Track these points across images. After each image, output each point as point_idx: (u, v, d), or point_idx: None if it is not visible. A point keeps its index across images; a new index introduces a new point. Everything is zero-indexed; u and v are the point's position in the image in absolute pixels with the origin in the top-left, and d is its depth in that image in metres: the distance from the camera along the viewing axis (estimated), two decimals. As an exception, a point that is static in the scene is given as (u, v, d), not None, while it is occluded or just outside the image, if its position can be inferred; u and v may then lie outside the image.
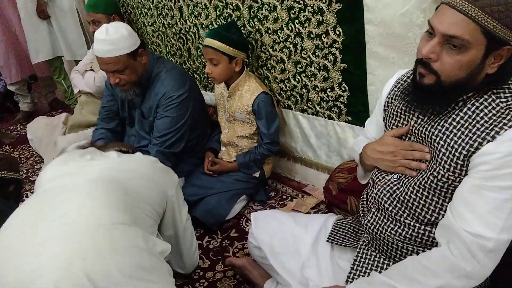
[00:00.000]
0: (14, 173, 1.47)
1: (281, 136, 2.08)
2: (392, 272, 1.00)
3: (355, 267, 1.15)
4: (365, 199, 1.23)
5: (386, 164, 1.10)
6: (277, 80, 1.97)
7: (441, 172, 0.96)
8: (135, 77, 1.89)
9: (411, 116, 1.06)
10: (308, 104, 1.88)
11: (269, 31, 1.86)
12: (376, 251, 1.15)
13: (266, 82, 2.03)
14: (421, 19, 1.29)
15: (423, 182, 1.00)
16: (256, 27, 1.91)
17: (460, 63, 0.88)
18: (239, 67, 1.88)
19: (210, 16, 2.15)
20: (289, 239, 1.32)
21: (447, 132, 0.95)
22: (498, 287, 1.05)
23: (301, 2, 1.64)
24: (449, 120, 0.96)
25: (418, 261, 0.97)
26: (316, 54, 1.71)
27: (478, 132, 0.91)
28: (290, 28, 1.76)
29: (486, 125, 0.90)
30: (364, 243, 1.18)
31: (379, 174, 1.14)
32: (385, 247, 1.11)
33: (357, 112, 1.69)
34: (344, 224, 1.30)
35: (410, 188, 1.04)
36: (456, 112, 0.96)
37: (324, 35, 1.63)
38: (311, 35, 1.68)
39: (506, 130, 0.87)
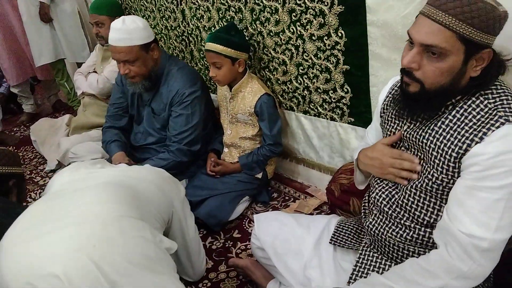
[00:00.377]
0: (13, 168, 1.46)
1: (283, 137, 2.09)
2: (392, 274, 1.01)
3: (357, 268, 1.15)
4: (366, 201, 1.23)
5: (375, 170, 1.13)
6: (279, 82, 1.98)
7: (435, 174, 0.97)
8: (145, 70, 1.92)
9: (404, 122, 1.07)
10: (311, 106, 1.89)
11: (271, 34, 1.87)
12: (378, 253, 1.16)
13: (268, 84, 2.04)
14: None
15: (419, 186, 1.02)
16: (258, 30, 1.92)
17: (441, 70, 0.90)
18: (242, 68, 1.90)
19: (213, 19, 2.16)
20: (292, 240, 1.32)
21: (437, 136, 0.97)
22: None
23: (303, 4, 1.65)
24: (439, 124, 0.97)
25: (417, 263, 0.98)
26: (318, 56, 1.71)
27: (467, 134, 0.92)
28: (292, 31, 1.76)
29: (474, 126, 0.91)
30: (366, 245, 1.19)
31: (378, 178, 1.15)
32: (387, 249, 1.12)
33: (360, 114, 1.70)
34: (346, 226, 1.31)
35: (408, 192, 1.04)
36: (446, 115, 0.97)
37: (326, 37, 1.64)
38: (313, 37, 1.69)
39: (493, 130, 0.88)
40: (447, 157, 0.94)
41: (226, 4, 2.02)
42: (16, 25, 3.22)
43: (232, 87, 1.95)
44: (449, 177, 0.96)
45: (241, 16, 1.98)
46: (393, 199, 1.09)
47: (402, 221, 1.07)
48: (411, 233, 1.05)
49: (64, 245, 0.95)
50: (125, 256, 0.97)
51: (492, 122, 0.89)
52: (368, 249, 1.18)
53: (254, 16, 1.91)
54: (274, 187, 2.17)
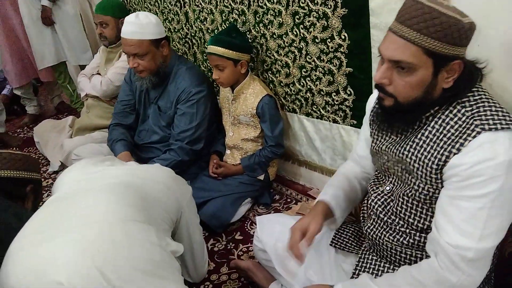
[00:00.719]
0: (32, 174, 1.44)
1: (285, 139, 2.09)
2: (383, 281, 1.02)
3: (357, 271, 1.16)
4: (365, 205, 1.24)
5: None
6: (282, 84, 1.98)
7: (421, 185, 0.98)
8: (154, 65, 1.95)
9: (388, 134, 1.08)
10: (313, 108, 1.89)
11: (274, 36, 1.88)
12: (377, 256, 1.16)
13: (271, 86, 2.05)
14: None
15: (409, 194, 1.02)
16: (262, 32, 1.93)
17: (411, 84, 0.91)
18: (245, 69, 1.90)
19: (216, 21, 2.17)
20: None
21: (418, 147, 0.98)
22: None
23: (306, 7, 1.66)
24: (419, 136, 0.98)
25: (408, 272, 0.98)
26: (321, 58, 1.72)
27: (445, 146, 0.92)
28: (295, 33, 1.77)
29: (452, 137, 0.92)
30: (366, 248, 1.19)
31: (374, 185, 1.16)
32: (385, 253, 1.12)
33: (363, 116, 1.67)
34: (347, 229, 1.31)
35: (401, 199, 1.05)
36: (425, 127, 0.98)
37: (329, 40, 1.65)
38: (316, 40, 1.70)
39: (470, 140, 0.88)
40: (428, 169, 0.95)
41: (230, 6, 2.03)
42: (19, 27, 3.23)
43: (234, 89, 1.96)
44: (434, 187, 0.96)
45: (244, 18, 1.99)
46: (388, 207, 1.10)
47: (397, 227, 1.07)
48: (407, 238, 1.06)
49: (69, 250, 0.94)
50: (130, 260, 0.96)
51: (468, 132, 0.90)
52: (368, 252, 1.18)
53: (257, 18, 1.92)
54: (276, 189, 2.17)
